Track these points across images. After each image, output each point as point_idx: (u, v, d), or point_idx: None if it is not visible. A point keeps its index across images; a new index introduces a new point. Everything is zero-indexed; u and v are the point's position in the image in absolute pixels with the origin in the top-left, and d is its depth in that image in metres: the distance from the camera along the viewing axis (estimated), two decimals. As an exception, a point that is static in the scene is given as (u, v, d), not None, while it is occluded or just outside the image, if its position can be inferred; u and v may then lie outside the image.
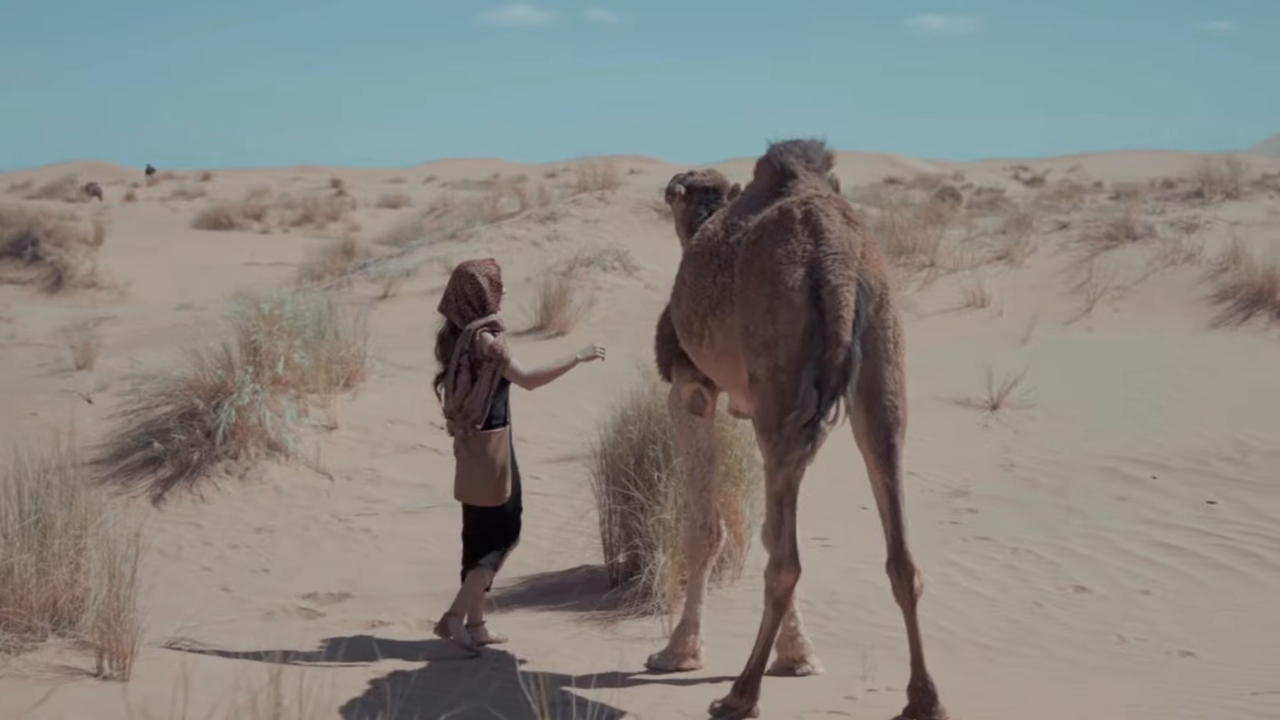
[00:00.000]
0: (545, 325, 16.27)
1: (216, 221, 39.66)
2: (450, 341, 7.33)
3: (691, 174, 7.49)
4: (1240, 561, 8.85)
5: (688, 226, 7.25)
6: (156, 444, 10.89)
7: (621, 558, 8.12)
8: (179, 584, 9.20)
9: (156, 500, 10.65)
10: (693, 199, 7.30)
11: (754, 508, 8.24)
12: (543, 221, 20.68)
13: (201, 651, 6.97)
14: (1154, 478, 10.54)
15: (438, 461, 11.64)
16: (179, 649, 6.79)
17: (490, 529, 7.35)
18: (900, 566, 5.84)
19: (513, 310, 16.95)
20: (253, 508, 10.56)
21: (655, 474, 7.88)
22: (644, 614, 7.73)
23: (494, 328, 7.34)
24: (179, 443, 10.93)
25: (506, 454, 7.33)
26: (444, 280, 19.47)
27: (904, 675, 6.61)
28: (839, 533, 9.27)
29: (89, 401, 12.92)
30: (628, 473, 8.02)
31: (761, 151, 6.60)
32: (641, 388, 8.51)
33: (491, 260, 7.58)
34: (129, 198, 51.90)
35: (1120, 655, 7.24)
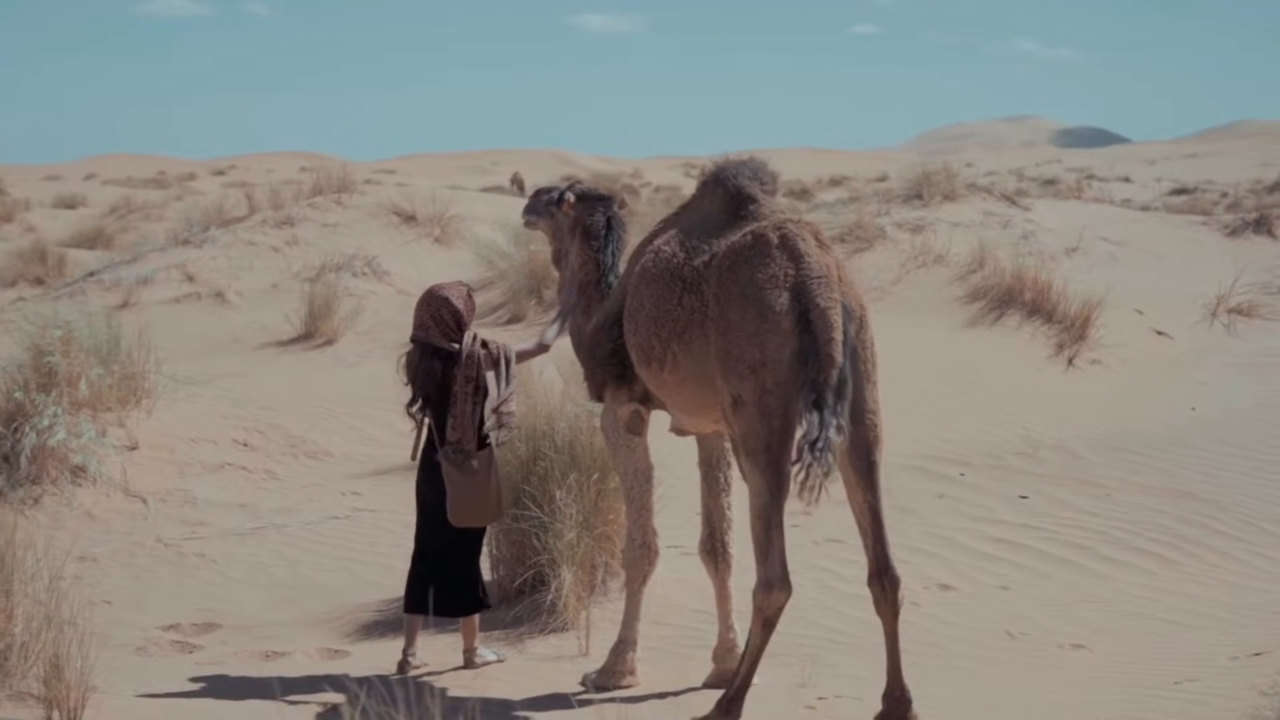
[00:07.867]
0: (312, 334, 15.92)
1: None
2: (425, 366, 7.22)
3: (579, 182, 7.62)
4: (1072, 553, 9.34)
5: (581, 233, 7.35)
6: (-41, 473, 10.27)
7: (514, 576, 8.07)
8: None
9: (-47, 533, 10.02)
10: (584, 206, 7.40)
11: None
12: (279, 226, 20.21)
13: (151, 695, 6.65)
14: (962, 475, 11.02)
15: (250, 479, 11.32)
16: (103, 693, 6.45)
17: (478, 545, 7.33)
18: (886, 580, 6.01)
19: (276, 319, 16.58)
20: (67, 535, 10.05)
21: (554, 491, 7.86)
22: (550, 632, 7.71)
23: (481, 341, 7.37)
24: (-23, 471, 10.33)
25: (498, 470, 7.34)
26: (187, 288, 18.90)
27: (841, 681, 6.85)
28: (692, 540, 9.38)
29: None
30: (523, 489, 7.98)
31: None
32: (522, 404, 8.46)
33: (460, 282, 7.60)
34: None
35: (1019, 651, 7.58)
